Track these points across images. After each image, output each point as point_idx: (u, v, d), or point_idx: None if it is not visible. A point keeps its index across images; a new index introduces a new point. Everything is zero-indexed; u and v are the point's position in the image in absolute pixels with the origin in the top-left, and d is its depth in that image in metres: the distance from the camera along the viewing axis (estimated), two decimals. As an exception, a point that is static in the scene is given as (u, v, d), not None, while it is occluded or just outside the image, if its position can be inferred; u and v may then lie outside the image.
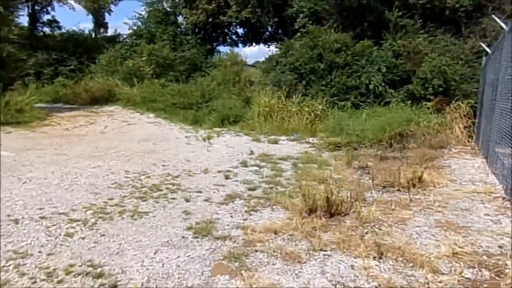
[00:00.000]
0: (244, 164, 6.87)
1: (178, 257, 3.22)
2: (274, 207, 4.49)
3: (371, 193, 4.99)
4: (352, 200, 4.48)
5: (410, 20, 13.11)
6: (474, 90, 10.94)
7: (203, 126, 11.76)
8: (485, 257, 3.18)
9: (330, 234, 3.63)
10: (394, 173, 5.44)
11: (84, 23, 55.62)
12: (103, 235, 3.66)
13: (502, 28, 7.16)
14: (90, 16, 24.94)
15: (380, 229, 3.74)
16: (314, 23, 13.98)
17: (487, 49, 9.32)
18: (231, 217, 4.19)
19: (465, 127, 10.15)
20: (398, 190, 5.05)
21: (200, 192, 5.14)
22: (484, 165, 6.87)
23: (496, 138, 6.51)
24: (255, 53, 36.47)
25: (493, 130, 6.84)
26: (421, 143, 7.88)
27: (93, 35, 24.03)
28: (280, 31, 19.47)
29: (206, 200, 4.78)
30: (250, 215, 4.26)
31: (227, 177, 5.93)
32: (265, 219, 4.12)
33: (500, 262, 3.09)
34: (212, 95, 14.27)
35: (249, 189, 5.27)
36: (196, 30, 19.40)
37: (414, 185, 5.12)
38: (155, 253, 3.30)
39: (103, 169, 6.35)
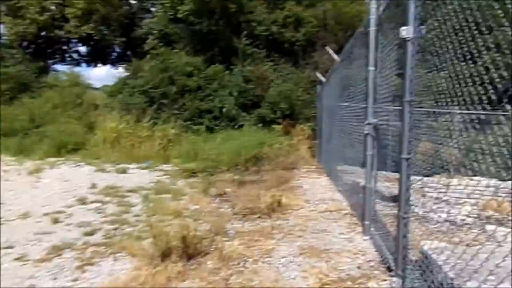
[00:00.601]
0: (83, 201, 5.65)
1: None
2: (117, 255, 3.59)
3: (232, 223, 4.58)
4: (213, 234, 3.98)
5: (256, 49, 13.94)
6: (313, 114, 12.16)
7: (31, 156, 9.62)
8: (349, 283, 3.07)
9: (189, 283, 2.99)
10: (254, 199, 5.21)
11: None
12: None
13: (334, 59, 8.04)
14: None
15: (246, 267, 3.30)
16: (165, 46, 13.48)
17: (322, 78, 10.45)
18: (55, 279, 3.10)
19: (308, 147, 11.09)
20: (259, 217, 4.79)
21: (11, 247, 3.80)
22: (330, 183, 7.39)
23: (336, 157, 7.11)
24: (104, 76, 33.19)
25: (333, 150, 7.48)
26: (275, 165, 8.07)
27: None
28: (129, 53, 18.20)
29: (18, 259, 3.51)
30: (84, 271, 3.25)
31: (56, 221, 4.66)
32: (105, 274, 3.20)
33: (363, 286, 3.01)
34: (45, 120, 12.02)
35: (86, 234, 4.19)
36: (25, 43, 16.39)
37: (274, 210, 4.96)
38: None
39: None
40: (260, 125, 11.55)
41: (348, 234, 4.29)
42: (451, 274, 2.61)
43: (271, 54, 14.17)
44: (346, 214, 5.08)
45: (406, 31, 2.83)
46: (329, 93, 8.66)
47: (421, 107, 3.83)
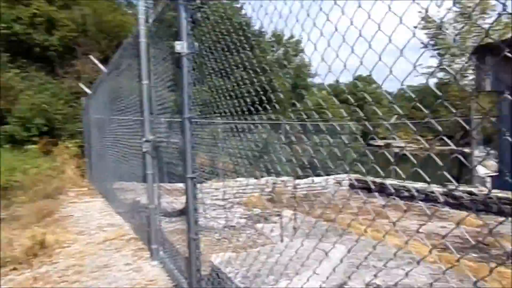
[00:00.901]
0: None
1: None
2: None
3: (-29, 288, 3.31)
4: None
5: (-5, 52, 11.20)
6: (79, 129, 10.82)
7: None
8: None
9: None
10: (4, 246, 3.98)
11: None
12: None
13: (100, 70, 7.35)
14: None
15: None
16: None
17: (88, 90, 9.41)
18: None
19: (77, 167, 9.78)
20: (14, 269, 3.67)
21: None
22: (106, 205, 6.66)
23: (111, 174, 6.49)
24: None
25: (107, 167, 6.80)
26: (34, 195, 6.58)
27: None
28: None
29: None
30: None
31: None
32: None
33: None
34: None
35: None
36: None
37: (36, 255, 3.93)
38: None
39: None
40: (8, 146, 9.27)
41: (135, 264, 3.88)
42: (240, 284, 2.69)
43: (17, 59, 11.72)
44: (130, 239, 4.64)
45: (180, 46, 2.74)
46: (98, 106, 7.84)
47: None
